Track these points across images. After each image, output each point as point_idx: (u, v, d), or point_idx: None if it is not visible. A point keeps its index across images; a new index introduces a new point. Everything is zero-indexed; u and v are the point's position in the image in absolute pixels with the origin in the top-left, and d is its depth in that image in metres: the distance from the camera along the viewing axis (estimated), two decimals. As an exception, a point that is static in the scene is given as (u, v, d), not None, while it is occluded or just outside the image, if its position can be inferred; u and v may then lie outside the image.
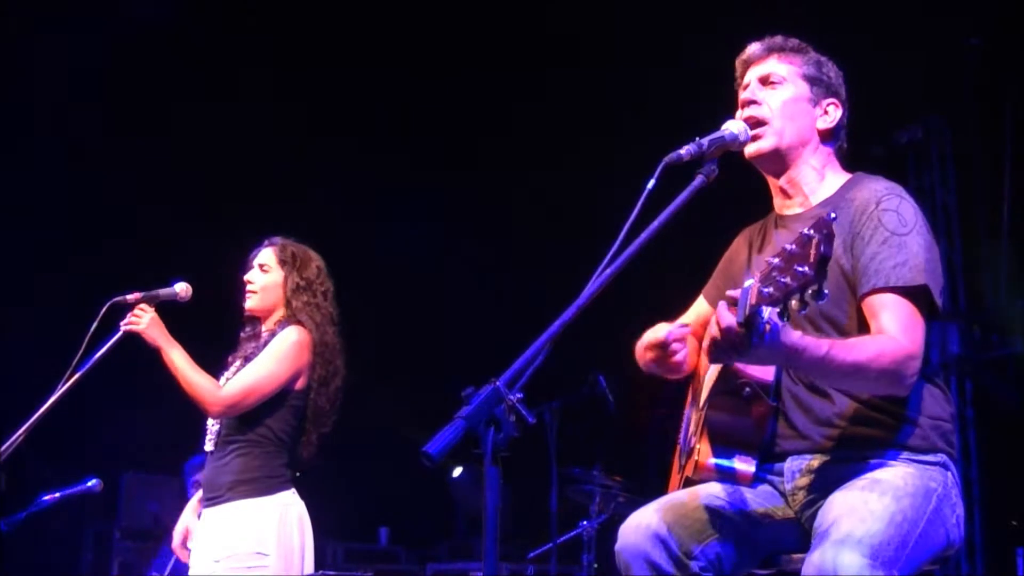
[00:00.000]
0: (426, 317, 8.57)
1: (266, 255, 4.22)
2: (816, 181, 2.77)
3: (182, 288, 4.16)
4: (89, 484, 5.25)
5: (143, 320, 3.94)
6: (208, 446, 4.07)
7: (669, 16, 7.12)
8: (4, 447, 3.74)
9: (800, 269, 2.04)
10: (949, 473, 2.60)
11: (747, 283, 2.21)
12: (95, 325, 3.88)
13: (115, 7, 7.14)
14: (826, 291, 2.04)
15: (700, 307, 3.07)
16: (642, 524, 2.57)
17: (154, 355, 4.04)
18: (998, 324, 7.72)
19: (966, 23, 7.07)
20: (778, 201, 2.85)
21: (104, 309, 3.94)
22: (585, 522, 6.22)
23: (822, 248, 2.01)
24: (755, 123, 2.71)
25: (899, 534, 2.38)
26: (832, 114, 2.78)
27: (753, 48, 2.84)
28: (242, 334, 4.27)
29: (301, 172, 8.44)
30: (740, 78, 2.84)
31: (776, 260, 2.09)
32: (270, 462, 3.97)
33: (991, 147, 7.67)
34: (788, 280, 2.06)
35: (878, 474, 2.51)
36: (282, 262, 4.18)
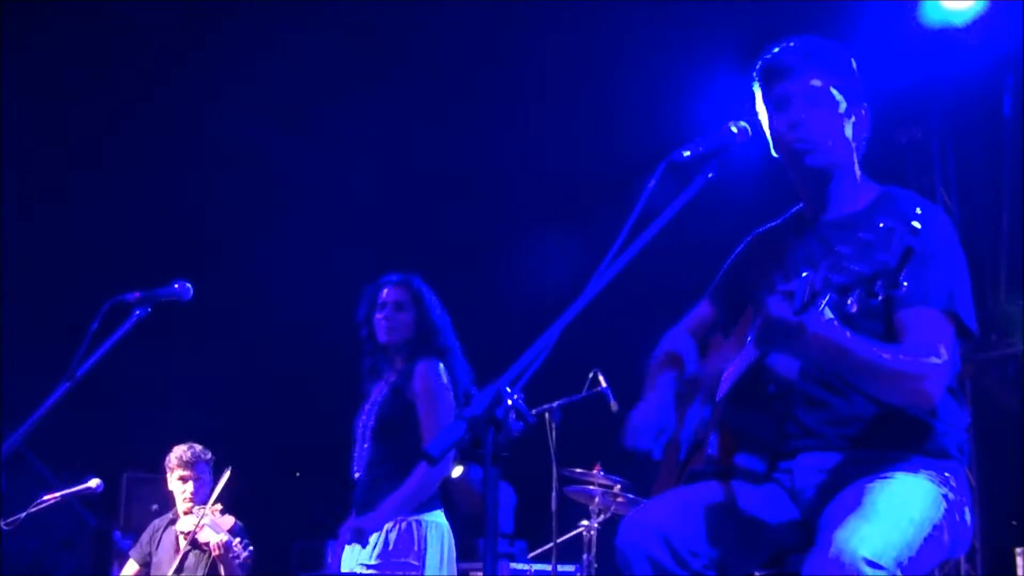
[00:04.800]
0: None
1: (402, 293, 4.50)
2: (852, 189, 2.75)
3: (183, 288, 4.15)
4: (89, 484, 5.25)
5: None
6: (358, 472, 4.35)
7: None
8: (4, 447, 3.74)
9: (880, 257, 2.04)
10: (961, 481, 2.59)
11: (803, 274, 2.21)
12: (96, 325, 3.87)
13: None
14: (904, 283, 2.05)
15: (703, 308, 3.05)
16: (645, 520, 2.54)
17: (153, 355, 4.04)
18: (998, 324, 7.72)
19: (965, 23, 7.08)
20: (808, 206, 2.81)
21: (104, 309, 3.93)
22: (585, 522, 6.22)
23: (907, 239, 2.02)
24: (805, 144, 2.67)
25: (904, 537, 2.36)
26: (865, 121, 2.75)
27: (784, 54, 2.72)
28: (369, 364, 4.55)
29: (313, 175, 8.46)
30: (766, 83, 2.73)
31: (848, 249, 2.09)
32: None
33: (991, 147, 7.67)
34: (862, 268, 2.06)
35: (889, 476, 2.50)
36: (415, 300, 4.50)
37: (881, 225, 2.06)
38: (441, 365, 4.38)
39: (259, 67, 7.85)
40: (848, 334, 2.34)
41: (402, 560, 4.15)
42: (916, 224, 2.03)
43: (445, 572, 4.26)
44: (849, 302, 2.11)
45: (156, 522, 5.96)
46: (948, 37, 7.12)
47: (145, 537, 5.92)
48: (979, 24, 7.04)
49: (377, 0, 7.49)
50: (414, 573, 4.15)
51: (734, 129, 2.61)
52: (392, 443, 4.29)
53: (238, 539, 5.38)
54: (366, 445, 4.35)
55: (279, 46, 7.77)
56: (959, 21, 7.07)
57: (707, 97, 7.17)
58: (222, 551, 5.36)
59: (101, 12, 7.23)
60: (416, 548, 4.18)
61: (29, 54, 7.31)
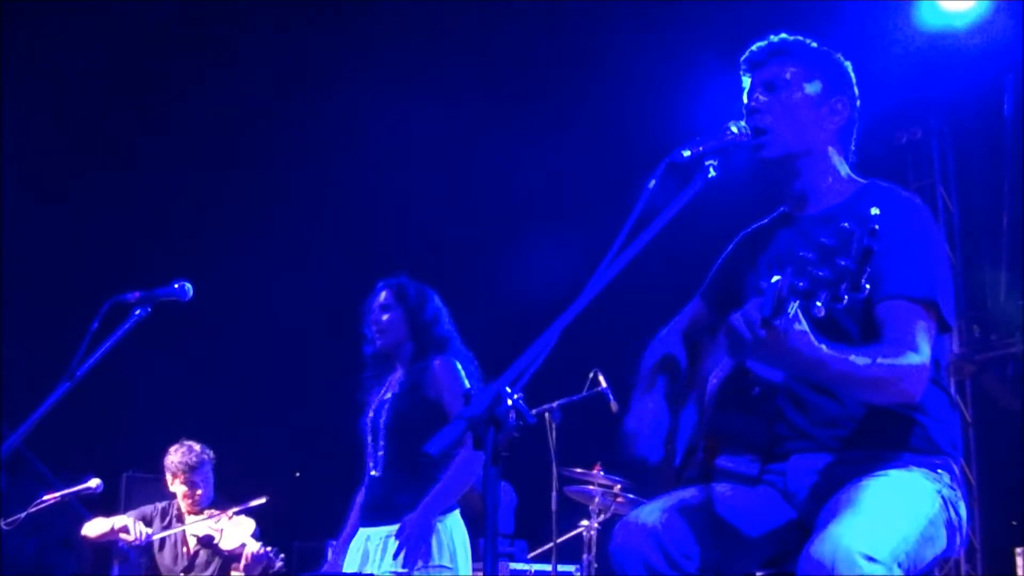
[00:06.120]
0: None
1: (386, 295, 4.53)
2: (828, 183, 2.73)
3: (182, 288, 4.15)
4: (89, 484, 5.25)
5: None
6: (375, 471, 4.35)
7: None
8: (4, 447, 3.74)
9: (841, 262, 2.02)
10: (954, 476, 2.58)
11: (774, 279, 2.15)
12: (96, 325, 3.87)
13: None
14: (866, 285, 2.03)
15: (695, 309, 3.04)
16: (638, 524, 2.54)
17: (154, 355, 4.04)
18: (998, 324, 7.72)
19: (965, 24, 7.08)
20: (788, 203, 2.81)
21: (104, 309, 3.93)
22: (585, 522, 6.22)
23: (865, 241, 1.99)
24: (759, 131, 2.66)
25: (901, 532, 2.35)
26: (840, 113, 2.73)
27: (755, 49, 2.77)
28: (370, 373, 4.59)
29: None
30: (744, 80, 2.79)
31: (811, 255, 2.07)
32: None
33: (991, 146, 7.68)
34: (825, 273, 2.04)
35: (883, 475, 2.49)
36: (400, 299, 4.51)
37: (845, 226, 2.04)
38: (455, 360, 4.39)
39: (258, 67, 7.85)
40: (823, 347, 2.27)
41: (436, 564, 4.16)
42: (875, 226, 2.00)
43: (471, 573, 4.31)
44: (819, 305, 2.08)
45: (163, 506, 5.86)
46: (948, 38, 7.13)
47: (149, 509, 5.84)
48: (979, 25, 7.04)
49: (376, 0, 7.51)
50: (448, 574, 4.18)
51: (734, 129, 2.61)
52: (408, 441, 4.27)
53: (270, 547, 5.40)
54: (381, 443, 4.34)
55: (277, 44, 7.78)
56: (959, 23, 7.08)
57: (707, 97, 7.17)
58: (250, 560, 5.35)
59: (101, 11, 7.24)
60: (448, 550, 4.21)
61: (30, 53, 7.32)
